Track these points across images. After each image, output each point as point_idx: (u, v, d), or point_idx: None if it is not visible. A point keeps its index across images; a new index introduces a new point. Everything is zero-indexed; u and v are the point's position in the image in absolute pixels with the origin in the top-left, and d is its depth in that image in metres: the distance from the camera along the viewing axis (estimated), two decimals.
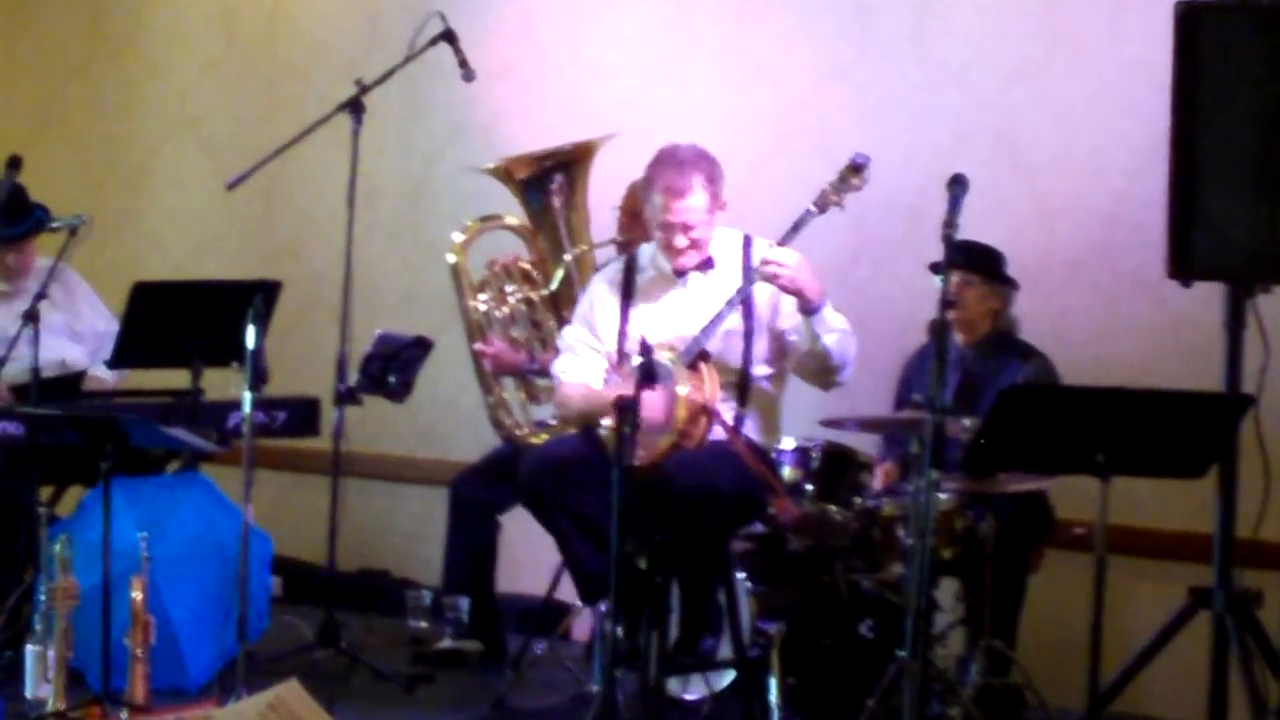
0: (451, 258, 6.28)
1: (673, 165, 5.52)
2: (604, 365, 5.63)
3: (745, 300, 5.46)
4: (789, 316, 5.49)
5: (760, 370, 5.57)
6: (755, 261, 5.47)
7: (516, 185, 6.36)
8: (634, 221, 6.11)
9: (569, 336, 5.75)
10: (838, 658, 5.45)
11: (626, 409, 4.87)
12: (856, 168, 5.40)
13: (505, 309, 6.30)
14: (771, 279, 5.32)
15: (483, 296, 6.28)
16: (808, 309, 5.37)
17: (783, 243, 5.35)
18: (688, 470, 5.28)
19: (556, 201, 6.33)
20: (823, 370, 5.50)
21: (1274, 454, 5.05)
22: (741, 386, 5.54)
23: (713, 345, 5.42)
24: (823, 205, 5.41)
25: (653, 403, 5.27)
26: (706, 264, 5.59)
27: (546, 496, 5.44)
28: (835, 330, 5.43)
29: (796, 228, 5.38)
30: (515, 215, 6.43)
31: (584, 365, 5.65)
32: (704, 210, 5.51)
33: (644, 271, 5.69)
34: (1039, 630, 5.78)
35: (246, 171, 6.43)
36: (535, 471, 5.47)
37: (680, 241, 5.52)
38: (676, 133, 5.99)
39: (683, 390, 5.35)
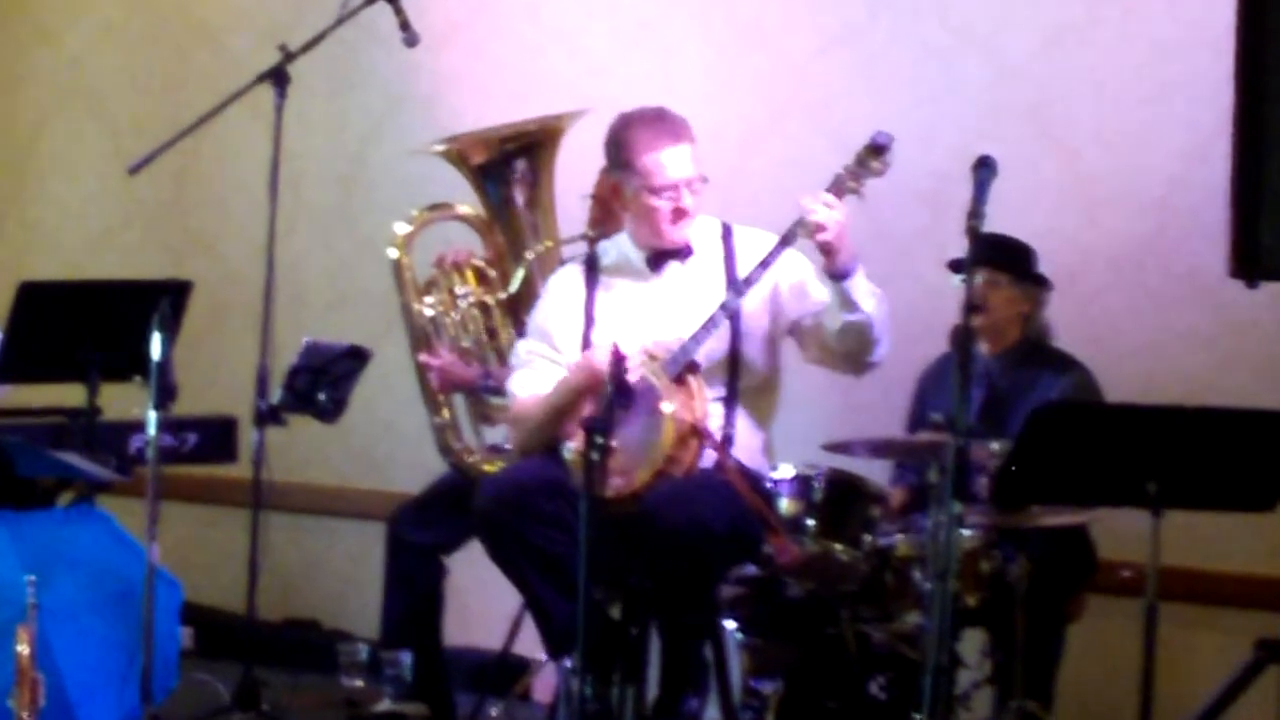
0: (393, 253, 6.25)
1: (649, 122, 5.51)
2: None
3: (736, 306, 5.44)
4: (798, 301, 5.47)
5: (750, 381, 5.57)
6: (739, 247, 5.50)
7: (472, 171, 6.34)
8: (607, 212, 6.11)
9: (522, 351, 5.72)
10: None
11: (596, 430, 4.83)
12: (878, 149, 5.35)
13: (455, 314, 6.29)
14: (816, 234, 5.22)
15: (429, 299, 6.27)
16: (841, 273, 5.30)
17: (788, 239, 5.33)
18: (674, 503, 5.25)
19: (519, 192, 6.31)
20: (859, 347, 5.42)
21: None
22: (728, 402, 5.53)
23: (700, 354, 5.41)
24: (838, 193, 5.38)
25: (631, 423, 5.25)
26: (685, 252, 5.59)
27: (506, 531, 5.41)
28: (873, 295, 5.36)
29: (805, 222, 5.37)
30: (467, 203, 6.41)
31: (542, 381, 5.63)
32: (697, 162, 5.49)
33: (609, 266, 5.68)
34: (1079, 690, 5.79)
35: (152, 153, 6.43)
36: (492, 502, 5.45)
37: (688, 201, 5.48)
38: None
39: (668, 408, 5.33)
